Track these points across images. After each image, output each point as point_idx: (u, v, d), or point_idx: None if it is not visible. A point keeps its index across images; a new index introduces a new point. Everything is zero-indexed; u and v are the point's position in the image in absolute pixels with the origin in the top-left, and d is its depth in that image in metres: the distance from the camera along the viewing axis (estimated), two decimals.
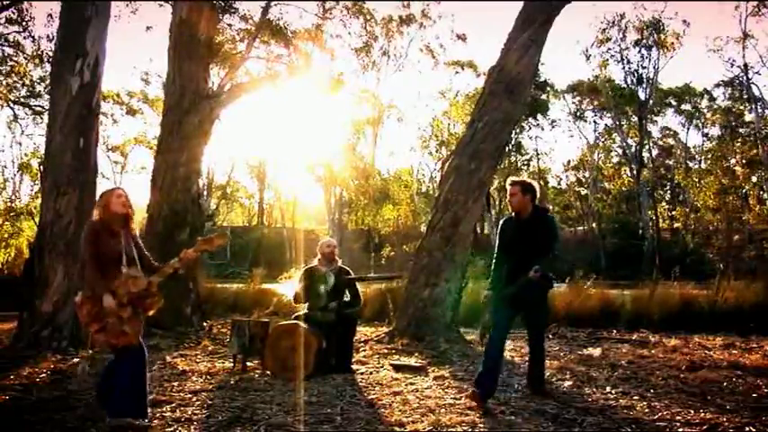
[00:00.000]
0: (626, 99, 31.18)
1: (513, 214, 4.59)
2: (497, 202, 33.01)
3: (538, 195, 4.57)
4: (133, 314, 3.50)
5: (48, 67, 14.38)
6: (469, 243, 8.21)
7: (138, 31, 43.88)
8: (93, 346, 3.64)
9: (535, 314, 4.64)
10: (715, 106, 32.86)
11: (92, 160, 7.33)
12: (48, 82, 13.54)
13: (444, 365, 5.86)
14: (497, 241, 4.64)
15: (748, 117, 30.56)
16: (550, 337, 8.12)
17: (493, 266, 4.61)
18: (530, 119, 31.43)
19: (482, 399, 4.19)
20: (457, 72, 31.88)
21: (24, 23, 15.15)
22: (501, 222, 4.74)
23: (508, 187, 4.54)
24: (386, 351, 6.70)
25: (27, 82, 16.94)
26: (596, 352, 6.60)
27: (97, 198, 3.91)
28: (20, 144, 23.57)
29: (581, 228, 37.54)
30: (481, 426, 3.75)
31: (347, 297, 5.85)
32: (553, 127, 33.95)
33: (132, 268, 3.60)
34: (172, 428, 3.67)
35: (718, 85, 31.82)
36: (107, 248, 3.56)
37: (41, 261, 6.85)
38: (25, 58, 16.12)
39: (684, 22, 29.21)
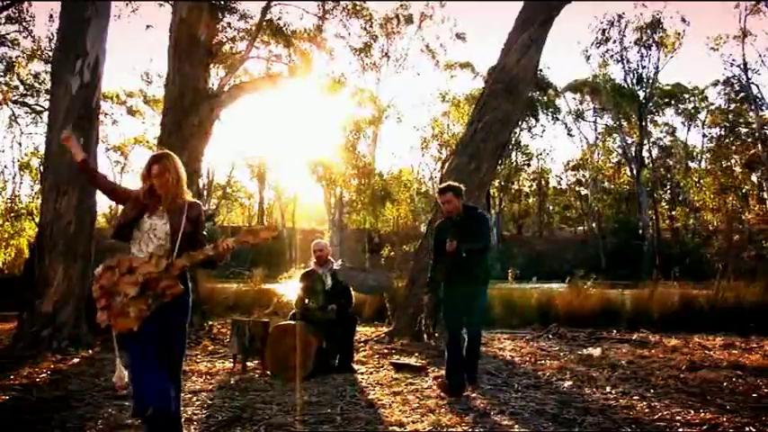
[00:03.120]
0: (626, 99, 31.20)
1: (445, 217, 4.99)
2: (497, 202, 33.03)
3: (463, 196, 4.95)
4: (140, 295, 3.11)
5: (47, 66, 14.37)
6: None
7: (138, 30, 43.95)
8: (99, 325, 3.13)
9: (476, 309, 4.86)
10: (713, 106, 32.88)
11: (92, 160, 7.32)
12: (48, 82, 13.54)
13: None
14: (433, 244, 5.07)
15: (748, 117, 30.56)
16: (550, 337, 8.12)
17: (432, 268, 5.07)
18: (532, 119, 31.44)
19: (454, 393, 4.58)
20: (452, 76, 31.91)
21: (24, 23, 15.16)
22: (436, 225, 5.18)
23: (438, 197, 4.96)
24: (386, 351, 6.70)
25: (27, 82, 16.94)
26: (596, 352, 6.60)
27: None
28: (20, 144, 23.57)
29: (581, 228, 37.58)
30: (481, 426, 3.75)
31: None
32: (555, 122, 33.88)
33: (159, 247, 3.22)
34: None
35: (715, 84, 31.80)
36: (125, 219, 3.30)
37: (41, 261, 6.85)
38: (25, 58, 16.12)
39: (684, 21, 29.29)
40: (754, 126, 29.31)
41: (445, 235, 4.78)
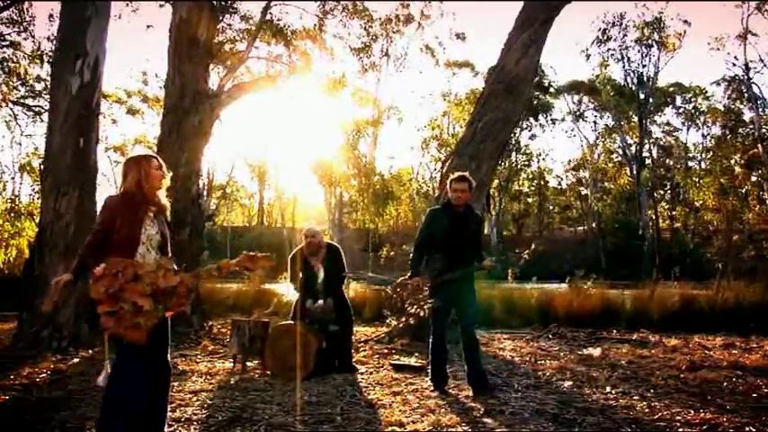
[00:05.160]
0: (626, 98, 31.18)
1: (443, 206, 4.85)
2: (497, 202, 33.03)
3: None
4: (153, 309, 2.99)
5: (48, 67, 14.37)
6: None
7: (138, 30, 43.85)
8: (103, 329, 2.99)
9: (470, 307, 4.78)
10: (713, 106, 32.88)
11: (92, 160, 7.33)
12: (48, 82, 13.52)
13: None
14: (425, 231, 4.81)
15: (748, 116, 30.59)
16: (550, 337, 8.12)
17: (416, 252, 4.81)
18: (531, 119, 31.44)
19: (442, 389, 4.71)
20: (454, 74, 31.93)
21: (25, 23, 15.14)
22: (430, 213, 4.92)
23: (455, 183, 4.72)
24: (386, 351, 6.70)
25: (27, 82, 16.93)
26: (596, 352, 6.60)
27: (126, 163, 3.31)
28: (20, 144, 23.63)
29: (581, 228, 37.58)
30: (481, 426, 3.76)
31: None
32: (554, 124, 33.86)
33: (164, 258, 3.18)
34: (172, 428, 3.67)
35: (717, 83, 31.76)
36: (125, 229, 3.11)
37: (41, 261, 6.85)
38: (25, 59, 16.11)
39: (686, 21, 29.26)
40: (751, 126, 29.32)
41: (442, 226, 4.66)
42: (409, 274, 4.70)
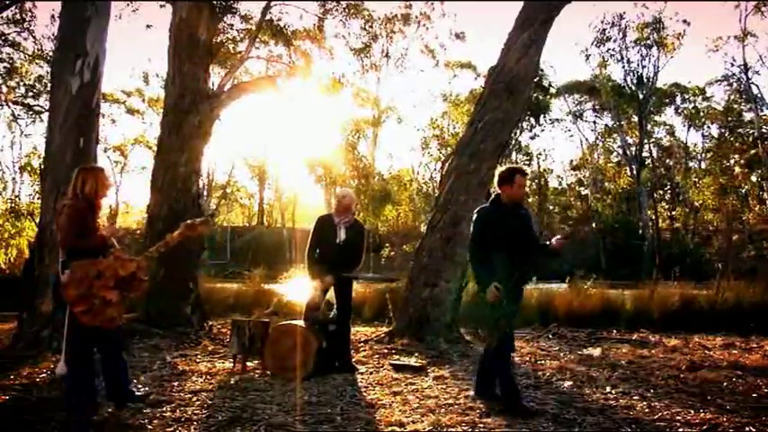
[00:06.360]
0: (626, 99, 31.17)
1: (492, 204, 4.37)
2: None
3: None
4: (120, 298, 3.58)
5: (48, 66, 14.36)
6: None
7: (138, 30, 43.77)
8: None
9: (516, 306, 4.35)
10: (713, 106, 32.84)
11: (92, 160, 7.32)
12: (48, 81, 13.52)
13: (444, 365, 5.86)
14: (481, 232, 4.22)
15: (747, 116, 30.57)
16: (550, 337, 8.13)
17: (479, 259, 4.20)
18: (531, 119, 31.40)
19: (529, 414, 4.03)
20: (455, 75, 31.92)
21: (26, 23, 15.15)
22: (483, 212, 4.32)
23: (521, 178, 4.26)
24: (386, 351, 6.70)
25: (27, 82, 16.93)
26: (596, 352, 6.61)
27: (84, 171, 3.91)
28: (20, 144, 23.65)
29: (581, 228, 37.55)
30: (481, 426, 3.76)
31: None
32: (553, 124, 33.81)
33: (117, 248, 3.73)
34: (172, 428, 3.67)
35: (711, 83, 31.70)
36: (95, 230, 3.72)
37: (41, 261, 6.84)
38: (27, 58, 16.11)
39: (685, 21, 29.24)
40: (750, 126, 29.31)
41: (499, 227, 4.15)
42: (486, 283, 4.09)
